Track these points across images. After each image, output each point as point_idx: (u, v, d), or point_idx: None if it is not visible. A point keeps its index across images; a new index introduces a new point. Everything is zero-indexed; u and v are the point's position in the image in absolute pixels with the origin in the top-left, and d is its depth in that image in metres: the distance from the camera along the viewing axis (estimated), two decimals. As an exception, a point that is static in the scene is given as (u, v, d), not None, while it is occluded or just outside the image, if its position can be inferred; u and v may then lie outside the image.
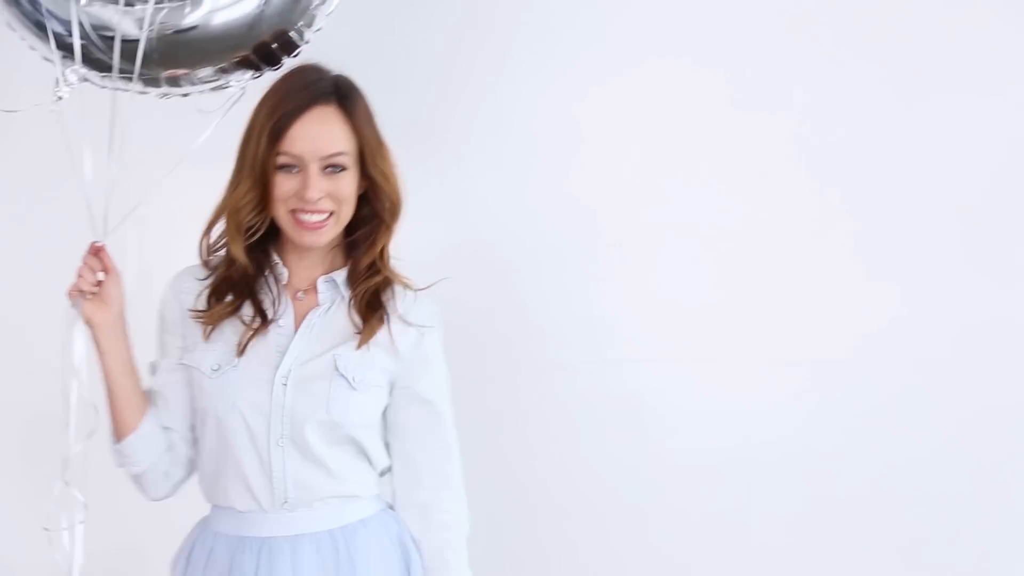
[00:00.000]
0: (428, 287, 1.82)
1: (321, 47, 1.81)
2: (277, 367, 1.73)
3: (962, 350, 2.41)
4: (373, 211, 1.76)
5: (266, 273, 1.78)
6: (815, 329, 2.44)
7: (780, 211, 2.43)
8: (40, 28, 1.65)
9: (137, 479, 1.79)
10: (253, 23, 1.69)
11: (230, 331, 1.75)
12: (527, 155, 2.45)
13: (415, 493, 1.80)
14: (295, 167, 1.70)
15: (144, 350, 1.82)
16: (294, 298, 1.79)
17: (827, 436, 2.44)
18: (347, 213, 1.74)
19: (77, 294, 1.72)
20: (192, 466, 1.82)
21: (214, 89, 1.75)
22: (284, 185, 1.70)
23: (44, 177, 2.24)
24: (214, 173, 1.77)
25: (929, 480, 2.43)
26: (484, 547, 1.85)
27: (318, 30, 1.78)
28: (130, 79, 1.66)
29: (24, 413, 2.42)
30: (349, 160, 1.72)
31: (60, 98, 1.65)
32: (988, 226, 2.41)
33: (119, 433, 1.76)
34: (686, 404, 2.45)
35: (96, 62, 1.66)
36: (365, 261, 1.78)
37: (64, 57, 1.66)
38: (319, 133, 1.69)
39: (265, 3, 1.69)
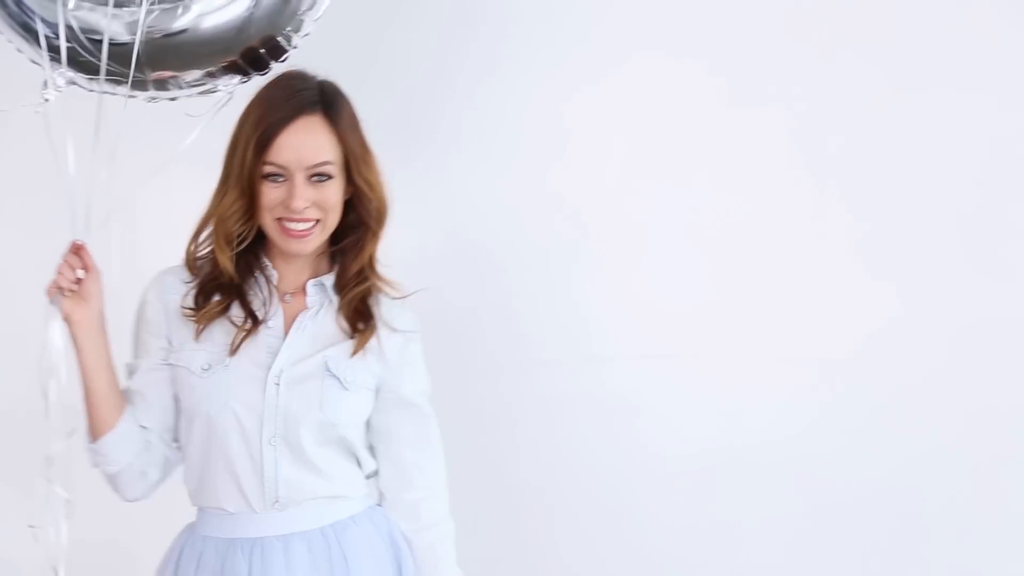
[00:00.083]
0: (408, 295, 1.84)
1: (309, 50, 1.82)
2: (269, 367, 1.74)
3: (962, 349, 2.44)
4: (359, 218, 1.78)
5: (256, 275, 1.79)
6: (806, 327, 2.46)
7: (767, 209, 2.45)
8: (27, 30, 1.65)
9: (113, 479, 1.78)
10: (242, 27, 1.70)
11: (218, 332, 1.76)
12: (514, 154, 2.47)
13: (405, 493, 1.82)
14: (281, 176, 1.71)
15: (126, 350, 1.82)
16: (282, 301, 1.80)
17: (818, 435, 2.46)
18: (333, 221, 1.76)
19: (56, 290, 1.72)
20: (169, 467, 1.83)
21: (202, 93, 1.75)
22: (270, 194, 1.71)
23: (27, 175, 2.23)
24: (201, 175, 1.78)
25: (928, 483, 2.45)
26: (467, 546, 1.87)
27: (306, 35, 1.79)
28: (118, 82, 1.66)
29: (3, 408, 2.42)
30: (335, 169, 1.73)
31: (47, 100, 1.65)
32: (988, 223, 2.44)
33: (96, 432, 1.75)
34: (671, 402, 2.48)
35: (83, 65, 1.66)
36: (354, 268, 1.79)
37: (51, 60, 1.66)
38: (305, 143, 1.70)
39: (254, 7, 1.69)
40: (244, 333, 1.75)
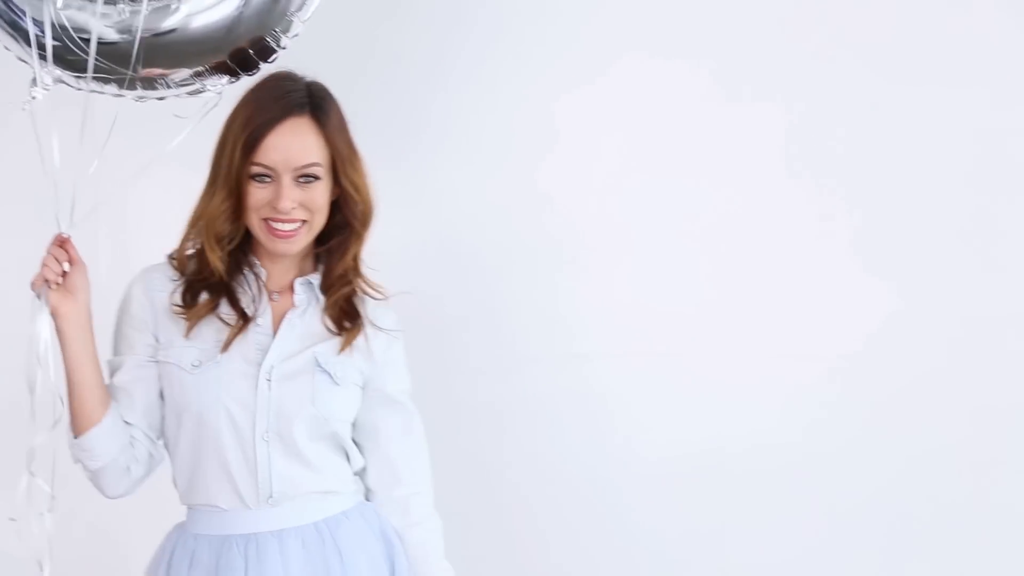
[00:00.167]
0: (390, 297, 1.86)
1: (299, 50, 1.83)
2: (260, 364, 1.75)
3: (961, 346, 2.43)
4: (345, 219, 1.80)
5: (244, 273, 1.81)
6: (797, 325, 2.46)
7: (756, 208, 2.45)
8: (14, 28, 1.65)
9: (96, 474, 1.78)
10: (231, 27, 1.70)
11: (207, 329, 1.77)
12: (502, 154, 2.47)
13: (394, 490, 1.84)
14: (268, 177, 1.72)
15: (111, 346, 1.83)
16: (269, 299, 1.82)
17: (813, 434, 2.46)
18: (320, 221, 1.77)
19: (41, 283, 1.73)
20: (153, 464, 1.83)
21: (190, 94, 1.76)
22: (257, 195, 1.73)
23: (14, 172, 2.23)
24: (189, 175, 1.79)
25: (929, 486, 2.44)
26: (451, 545, 1.89)
27: (295, 36, 1.79)
28: (106, 81, 1.66)
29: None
30: (322, 170, 1.74)
31: (34, 98, 1.65)
32: (987, 219, 2.43)
33: (80, 427, 1.75)
34: (658, 401, 2.48)
35: (71, 63, 1.66)
36: (338, 269, 1.81)
37: (39, 58, 1.66)
38: (292, 144, 1.71)
39: (243, 7, 1.70)
40: (236, 330, 1.76)
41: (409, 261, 2.39)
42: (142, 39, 1.64)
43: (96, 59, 1.64)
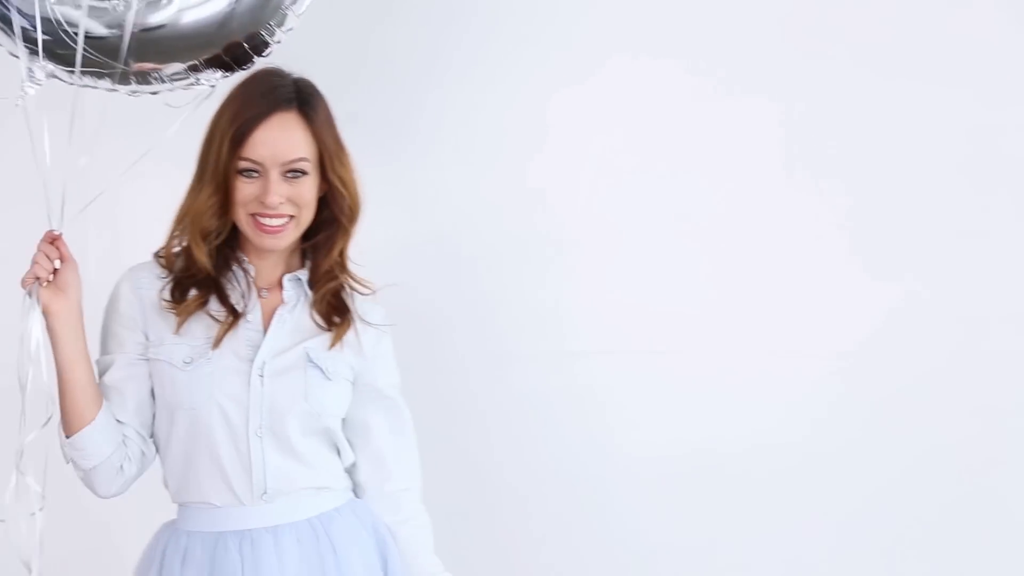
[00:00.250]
0: (377, 290, 1.86)
1: (292, 45, 1.82)
2: (251, 360, 1.76)
3: (958, 346, 2.42)
4: (332, 215, 1.80)
5: (233, 268, 1.80)
6: (788, 323, 2.46)
7: (745, 205, 2.45)
8: (5, 23, 1.64)
9: (88, 474, 1.77)
10: (223, 22, 1.69)
11: (197, 326, 1.77)
12: (494, 152, 2.47)
13: (385, 485, 1.85)
14: (256, 172, 1.73)
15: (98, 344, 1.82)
16: (258, 296, 1.81)
17: (803, 433, 2.46)
18: (307, 217, 1.78)
19: (32, 280, 1.72)
20: (145, 462, 1.82)
21: (184, 87, 1.75)
22: (245, 190, 1.73)
23: (5, 168, 2.23)
24: (181, 169, 1.79)
25: (929, 489, 2.43)
26: (442, 540, 1.89)
27: (289, 29, 1.78)
28: (99, 75, 1.65)
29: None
30: (309, 165, 1.75)
31: (26, 93, 1.64)
32: (984, 217, 2.42)
33: (73, 426, 1.74)
34: (650, 398, 2.48)
35: (63, 58, 1.65)
36: (325, 265, 1.82)
37: (31, 53, 1.65)
38: (280, 139, 1.72)
39: (236, 2, 1.69)
40: (227, 326, 1.76)
41: (401, 258, 2.39)
42: (133, 34, 1.63)
43: (89, 53, 1.63)
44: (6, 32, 1.66)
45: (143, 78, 1.70)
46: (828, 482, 2.46)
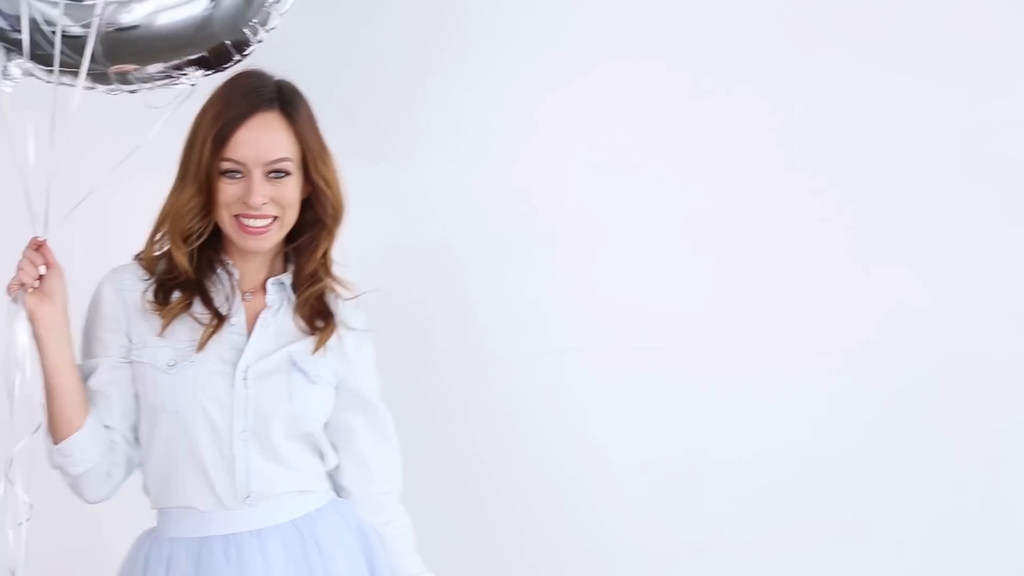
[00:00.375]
0: (359, 295, 1.86)
1: (277, 45, 1.81)
2: (235, 363, 1.75)
3: (957, 346, 2.41)
4: (316, 215, 1.79)
5: (218, 271, 1.79)
6: (778, 321, 2.45)
7: (735, 203, 2.44)
8: (-16, 21, 1.63)
9: (77, 480, 1.76)
10: (202, 24, 1.68)
11: (181, 329, 1.76)
12: (481, 152, 2.46)
13: (369, 488, 1.86)
14: (239, 173, 1.72)
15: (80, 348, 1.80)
16: (242, 298, 1.81)
17: (785, 431, 2.44)
18: (291, 218, 1.77)
19: (17, 287, 1.71)
20: (131, 466, 1.81)
21: (164, 87, 1.73)
22: (228, 191, 1.72)
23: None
24: (165, 169, 1.77)
25: (920, 498, 2.42)
26: (424, 541, 1.90)
27: (272, 28, 1.77)
28: (76, 74, 1.64)
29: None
30: (292, 166, 1.75)
31: (3, 91, 1.63)
32: (982, 215, 2.41)
33: (60, 433, 1.72)
34: (634, 395, 2.47)
35: (41, 57, 1.63)
36: (309, 267, 1.82)
37: (8, 51, 1.64)
38: (262, 139, 1.72)
39: (214, 7, 1.68)
40: (211, 329, 1.75)
41: (387, 258, 2.39)
42: (105, 34, 1.62)
43: (65, 54, 1.61)
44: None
45: (123, 77, 1.69)
46: (828, 487, 2.45)
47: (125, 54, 1.66)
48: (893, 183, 2.42)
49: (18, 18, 1.59)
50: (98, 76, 1.67)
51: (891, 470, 2.43)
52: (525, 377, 2.48)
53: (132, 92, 1.72)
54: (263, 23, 1.74)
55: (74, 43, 1.62)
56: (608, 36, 2.44)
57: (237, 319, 1.78)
